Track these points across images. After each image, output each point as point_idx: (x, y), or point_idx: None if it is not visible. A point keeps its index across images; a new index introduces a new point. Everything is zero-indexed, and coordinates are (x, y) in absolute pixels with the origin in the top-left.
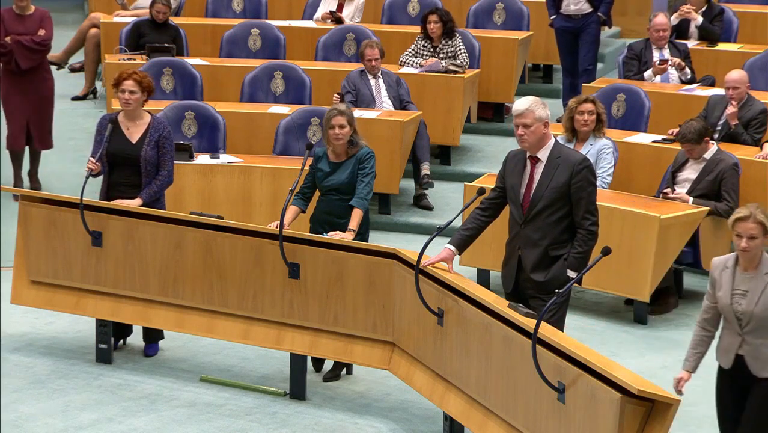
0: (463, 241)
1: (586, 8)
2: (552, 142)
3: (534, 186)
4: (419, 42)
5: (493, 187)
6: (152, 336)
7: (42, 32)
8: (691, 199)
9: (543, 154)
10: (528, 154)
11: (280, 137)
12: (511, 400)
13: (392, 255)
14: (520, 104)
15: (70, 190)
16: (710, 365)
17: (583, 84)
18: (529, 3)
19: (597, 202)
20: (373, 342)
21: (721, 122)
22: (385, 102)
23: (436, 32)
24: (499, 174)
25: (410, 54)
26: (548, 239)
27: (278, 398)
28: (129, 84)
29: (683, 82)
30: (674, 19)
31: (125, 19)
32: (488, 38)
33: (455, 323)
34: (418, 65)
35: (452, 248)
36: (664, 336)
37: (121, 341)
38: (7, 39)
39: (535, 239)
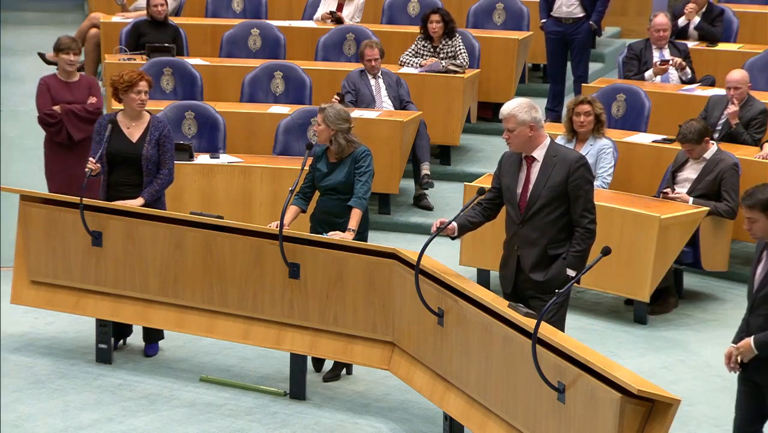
0: (465, 227)
1: (578, 12)
2: (547, 141)
3: (531, 186)
4: (419, 42)
5: (489, 188)
6: (152, 336)
7: (93, 100)
8: (691, 199)
9: (539, 154)
10: (523, 154)
11: (280, 137)
12: (511, 400)
13: (392, 255)
14: (505, 108)
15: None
16: (710, 365)
17: (582, 84)
18: (529, 3)
19: (597, 203)
20: (373, 342)
21: (721, 122)
22: (385, 102)
23: (437, 32)
24: (494, 174)
25: (410, 54)
26: (546, 238)
27: (278, 398)
28: (144, 85)
29: (683, 82)
30: (682, 22)
31: (125, 19)
32: (488, 38)
33: (455, 323)
34: (418, 65)
35: (454, 224)
36: (664, 336)
37: (121, 341)
38: (56, 108)
39: (533, 238)
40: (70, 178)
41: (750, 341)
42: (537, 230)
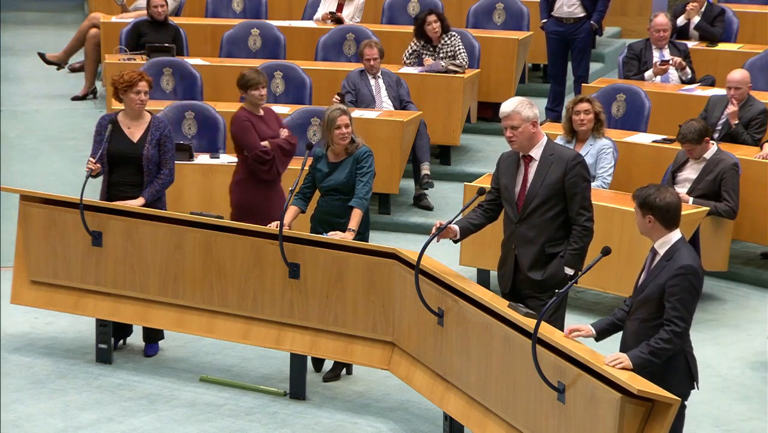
0: (467, 229)
1: (579, 12)
2: (544, 140)
3: (528, 184)
4: (416, 43)
5: (489, 190)
6: (152, 336)
7: (285, 132)
8: (691, 199)
9: (536, 153)
10: (521, 153)
11: None
12: (511, 400)
13: (392, 255)
14: (506, 106)
15: (70, 190)
16: (710, 364)
17: (582, 84)
18: (529, 3)
19: (597, 203)
20: (373, 342)
21: (721, 122)
22: (385, 102)
23: (437, 32)
24: (493, 176)
25: (409, 55)
26: (544, 236)
27: (278, 398)
28: (144, 86)
29: (683, 82)
30: (681, 21)
31: (125, 19)
32: (488, 38)
33: (455, 323)
34: (419, 65)
35: (456, 227)
36: None
37: (121, 341)
38: (265, 144)
39: (530, 237)
40: (272, 212)
41: (628, 361)
42: (534, 228)
